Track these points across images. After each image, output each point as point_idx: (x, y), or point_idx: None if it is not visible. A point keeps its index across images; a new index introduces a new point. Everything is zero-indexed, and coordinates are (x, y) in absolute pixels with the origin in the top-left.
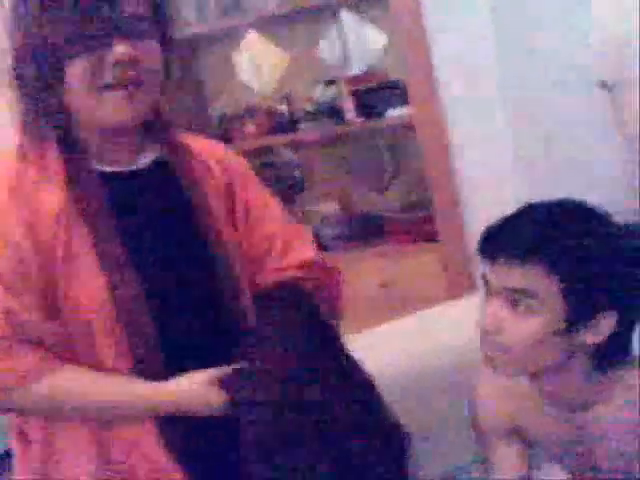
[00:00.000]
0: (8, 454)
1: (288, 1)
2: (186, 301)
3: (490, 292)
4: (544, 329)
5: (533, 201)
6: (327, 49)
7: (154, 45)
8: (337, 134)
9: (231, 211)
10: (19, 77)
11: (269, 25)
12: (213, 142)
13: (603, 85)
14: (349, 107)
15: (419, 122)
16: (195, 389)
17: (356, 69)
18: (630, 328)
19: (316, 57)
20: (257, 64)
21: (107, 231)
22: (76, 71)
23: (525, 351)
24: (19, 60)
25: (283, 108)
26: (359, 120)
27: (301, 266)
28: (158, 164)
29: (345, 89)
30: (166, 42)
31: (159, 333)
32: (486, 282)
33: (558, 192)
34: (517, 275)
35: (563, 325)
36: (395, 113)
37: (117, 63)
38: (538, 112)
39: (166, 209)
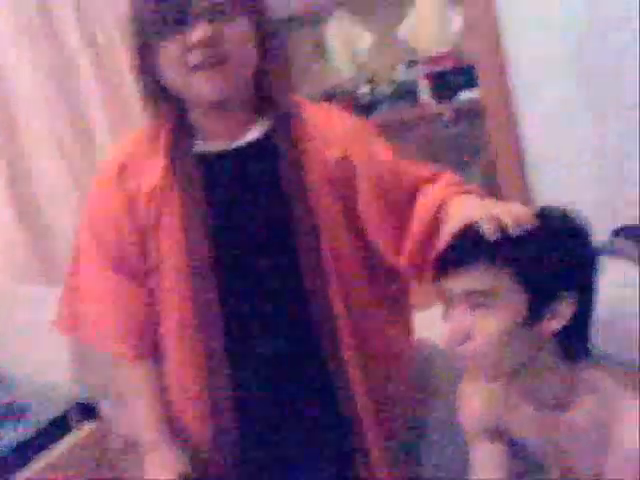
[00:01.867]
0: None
1: None
2: (254, 272)
3: (451, 304)
4: (509, 323)
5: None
6: (408, 31)
7: (240, 24)
8: (414, 115)
9: (349, 184)
10: (135, 65)
11: (354, 7)
12: (329, 109)
13: None
14: (424, 89)
15: (488, 105)
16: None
17: (434, 51)
18: (588, 312)
19: (397, 39)
20: (343, 46)
21: (194, 204)
22: (166, 54)
23: (497, 350)
24: (132, 47)
25: (365, 90)
26: (432, 102)
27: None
28: (265, 139)
29: (422, 71)
30: (259, 20)
31: (222, 297)
32: (446, 297)
33: None
34: (480, 277)
35: (526, 314)
36: (467, 96)
37: (197, 45)
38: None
39: (260, 185)
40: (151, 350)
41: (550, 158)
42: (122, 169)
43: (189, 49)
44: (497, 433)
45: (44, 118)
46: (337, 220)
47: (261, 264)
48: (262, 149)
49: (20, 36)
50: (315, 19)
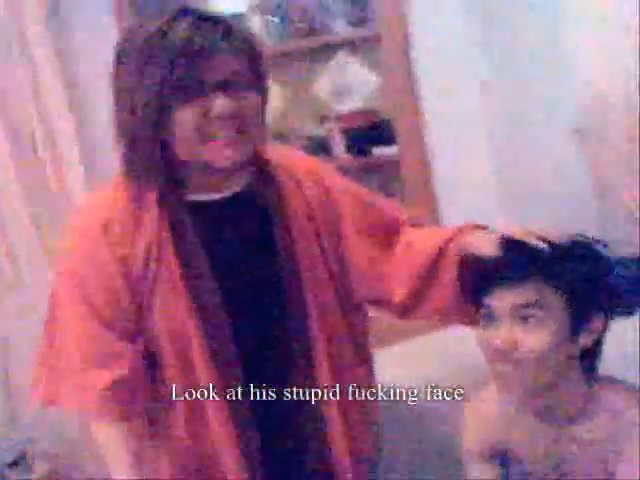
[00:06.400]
0: None
1: (289, 40)
2: (262, 328)
3: (494, 318)
4: (554, 337)
5: None
6: (323, 87)
7: (252, 99)
8: None
9: (331, 222)
10: (121, 124)
11: (269, 62)
12: (304, 156)
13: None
14: (338, 144)
15: (404, 161)
16: None
17: (350, 107)
18: (605, 334)
19: (313, 94)
20: None
21: (195, 259)
22: (182, 122)
23: (537, 363)
24: (121, 109)
25: (277, 143)
26: (347, 156)
27: None
28: (250, 188)
29: (336, 126)
30: (264, 92)
31: (239, 357)
32: (487, 310)
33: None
34: (529, 291)
35: (568, 331)
36: (383, 151)
37: (219, 117)
38: (523, 157)
39: (251, 235)
40: (141, 409)
41: (461, 209)
42: (107, 227)
43: (209, 119)
44: (495, 453)
45: None
46: (317, 260)
47: (255, 303)
48: (248, 198)
49: None
50: None
